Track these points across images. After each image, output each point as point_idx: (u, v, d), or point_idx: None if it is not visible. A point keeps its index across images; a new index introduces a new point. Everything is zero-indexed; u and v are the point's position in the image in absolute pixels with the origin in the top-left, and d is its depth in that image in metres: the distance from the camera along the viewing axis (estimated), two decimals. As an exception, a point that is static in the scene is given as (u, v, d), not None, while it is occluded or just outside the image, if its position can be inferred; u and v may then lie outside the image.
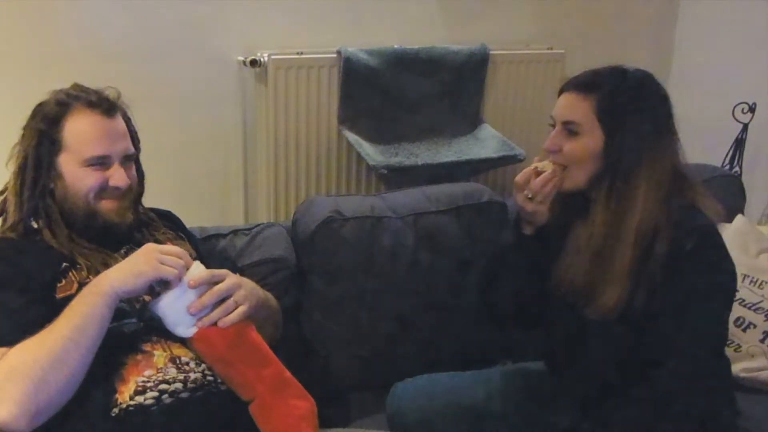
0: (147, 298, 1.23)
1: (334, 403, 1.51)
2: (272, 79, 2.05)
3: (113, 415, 1.12)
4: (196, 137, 2.09)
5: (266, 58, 2.04)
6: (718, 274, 1.30)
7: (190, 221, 1.59)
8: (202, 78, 2.06)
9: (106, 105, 1.31)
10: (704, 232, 1.28)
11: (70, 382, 1.08)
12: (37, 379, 1.05)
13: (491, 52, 2.33)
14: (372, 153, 2.16)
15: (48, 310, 1.15)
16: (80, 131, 1.28)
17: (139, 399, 1.14)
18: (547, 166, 1.36)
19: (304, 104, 2.12)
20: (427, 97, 2.26)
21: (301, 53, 2.09)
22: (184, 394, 1.17)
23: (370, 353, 1.71)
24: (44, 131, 1.29)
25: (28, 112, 1.33)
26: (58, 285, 1.22)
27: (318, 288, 1.68)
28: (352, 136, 2.17)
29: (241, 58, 2.07)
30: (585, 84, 1.34)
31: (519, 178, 1.38)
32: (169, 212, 1.55)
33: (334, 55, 2.12)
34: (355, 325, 1.69)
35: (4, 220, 1.32)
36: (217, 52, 2.06)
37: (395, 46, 2.20)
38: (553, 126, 1.37)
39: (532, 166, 1.38)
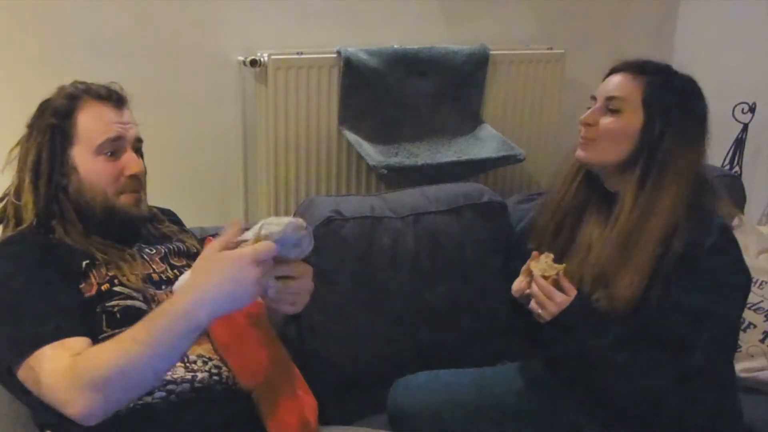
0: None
1: (334, 402, 1.51)
2: (272, 79, 2.05)
3: (119, 414, 1.10)
4: (196, 137, 2.09)
5: (266, 58, 2.04)
6: (737, 273, 1.32)
7: (190, 221, 1.60)
8: (202, 78, 2.06)
9: (115, 97, 1.32)
10: (723, 232, 1.30)
11: (136, 395, 1.09)
12: (108, 393, 1.02)
13: (491, 52, 2.33)
14: (372, 153, 2.16)
15: (80, 306, 1.16)
16: (93, 121, 1.28)
17: (147, 398, 1.14)
18: (543, 267, 1.33)
19: (304, 104, 2.12)
20: (427, 97, 2.26)
21: (301, 53, 2.09)
22: (191, 395, 1.17)
23: (369, 353, 1.71)
24: (56, 125, 1.27)
25: (27, 111, 1.32)
26: (80, 286, 1.20)
27: (318, 288, 1.68)
28: (352, 136, 2.16)
29: (241, 58, 2.07)
30: (638, 66, 1.37)
31: (514, 289, 1.38)
32: (170, 211, 1.56)
33: (334, 55, 2.12)
34: (355, 325, 1.69)
35: (17, 223, 1.28)
36: (217, 52, 2.06)
37: (395, 46, 2.20)
38: (593, 106, 1.39)
39: (527, 269, 1.36)
